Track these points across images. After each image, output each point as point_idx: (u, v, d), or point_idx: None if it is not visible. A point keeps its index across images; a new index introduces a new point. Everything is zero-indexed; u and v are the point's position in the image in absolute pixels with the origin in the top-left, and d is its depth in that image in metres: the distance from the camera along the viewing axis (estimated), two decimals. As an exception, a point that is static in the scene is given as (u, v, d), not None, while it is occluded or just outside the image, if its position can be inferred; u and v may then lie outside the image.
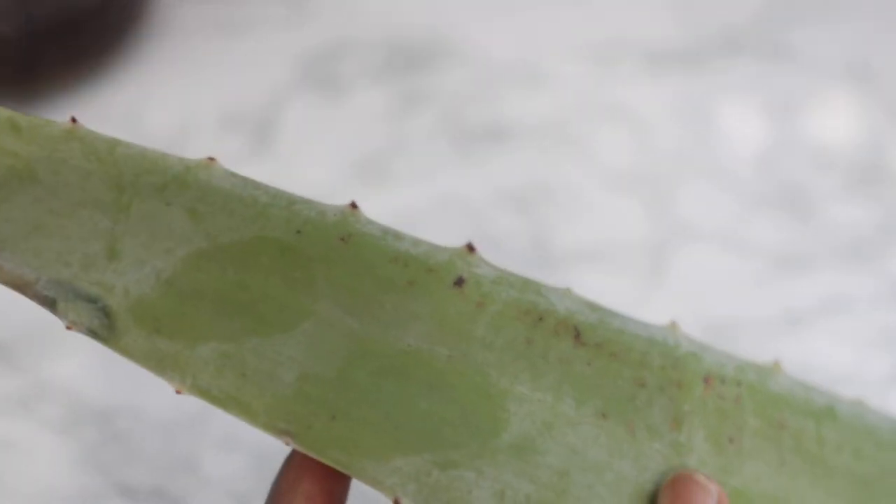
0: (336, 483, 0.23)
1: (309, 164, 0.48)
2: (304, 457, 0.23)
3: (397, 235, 0.24)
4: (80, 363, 0.39)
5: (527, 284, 0.24)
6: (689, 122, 0.49)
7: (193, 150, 0.48)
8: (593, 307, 0.25)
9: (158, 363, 0.22)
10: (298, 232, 0.24)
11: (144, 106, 0.51)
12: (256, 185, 0.24)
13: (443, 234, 0.44)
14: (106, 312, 0.22)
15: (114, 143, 0.23)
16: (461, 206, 0.45)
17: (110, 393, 0.38)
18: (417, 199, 0.46)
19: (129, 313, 0.22)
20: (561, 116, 0.50)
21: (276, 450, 0.36)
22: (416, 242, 0.24)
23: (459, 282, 0.24)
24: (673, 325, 0.25)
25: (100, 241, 0.22)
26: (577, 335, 0.24)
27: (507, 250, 0.43)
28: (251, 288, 0.23)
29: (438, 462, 0.22)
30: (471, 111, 0.50)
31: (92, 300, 0.22)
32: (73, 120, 0.23)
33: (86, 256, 0.22)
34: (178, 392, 0.22)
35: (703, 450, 0.24)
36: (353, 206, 0.24)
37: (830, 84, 0.52)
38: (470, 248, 0.24)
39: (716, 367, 0.25)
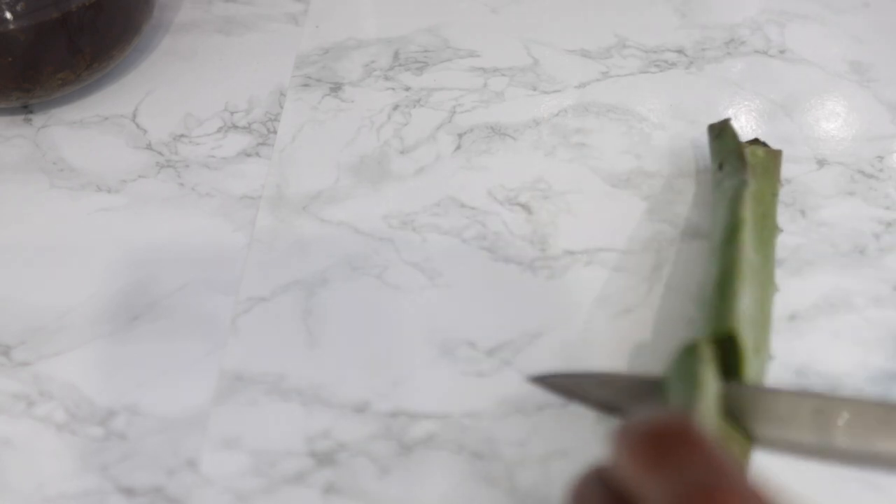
0: None
1: (309, 163, 0.48)
2: None
3: None
4: (80, 363, 0.39)
5: None
6: (690, 122, 0.49)
7: (193, 149, 0.48)
8: None
9: None
10: None
11: (145, 105, 0.51)
12: None
13: (443, 233, 0.44)
14: None
15: None
16: (461, 206, 0.45)
17: (110, 393, 0.38)
18: (417, 198, 0.46)
19: None
20: (561, 116, 0.50)
21: (277, 449, 0.36)
22: None
23: None
24: None
25: None
26: None
27: (507, 250, 0.43)
28: None
29: None
30: (471, 111, 0.50)
31: None
32: None
33: None
34: None
35: None
36: None
37: (830, 83, 0.52)
38: None
39: None
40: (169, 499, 0.35)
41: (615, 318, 0.41)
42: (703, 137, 0.48)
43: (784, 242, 0.43)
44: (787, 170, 0.47)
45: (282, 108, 0.51)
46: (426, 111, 0.50)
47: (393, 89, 0.52)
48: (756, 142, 0.45)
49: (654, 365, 0.39)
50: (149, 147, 0.48)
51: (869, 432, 0.31)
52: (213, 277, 0.42)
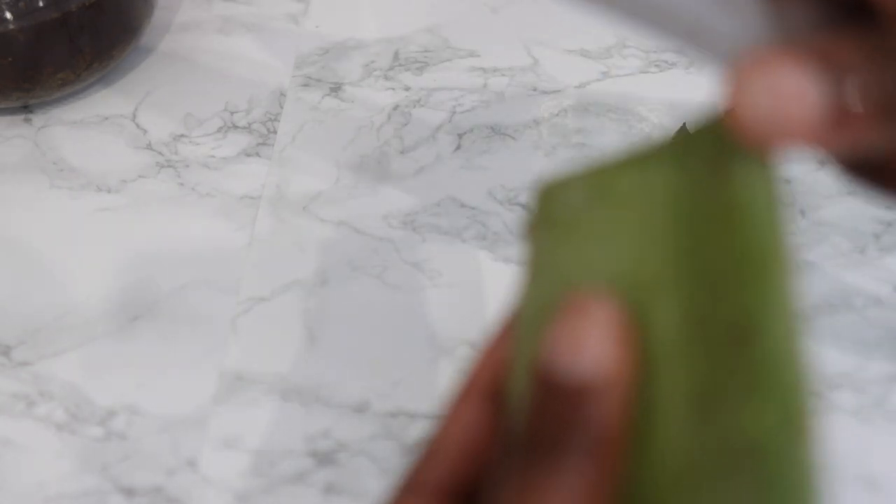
0: None
1: (309, 163, 0.48)
2: None
3: None
4: (80, 363, 0.39)
5: None
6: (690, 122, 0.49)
7: (193, 149, 0.48)
8: None
9: None
10: None
11: (145, 105, 0.51)
12: None
13: (443, 233, 0.44)
14: None
15: None
16: (461, 206, 0.45)
17: (110, 393, 0.38)
18: (417, 198, 0.46)
19: None
20: (561, 116, 0.50)
21: (277, 449, 0.36)
22: None
23: None
24: None
25: None
26: None
27: (507, 250, 0.43)
28: None
29: None
30: (471, 111, 0.50)
31: None
32: None
33: None
34: None
35: None
36: None
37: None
38: None
39: None
40: (169, 499, 0.35)
41: (615, 318, 0.41)
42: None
43: (784, 242, 0.43)
44: (787, 169, 0.47)
45: (282, 108, 0.51)
46: (426, 111, 0.50)
47: (393, 89, 0.52)
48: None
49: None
50: (149, 147, 0.48)
51: None
52: (213, 277, 0.42)
